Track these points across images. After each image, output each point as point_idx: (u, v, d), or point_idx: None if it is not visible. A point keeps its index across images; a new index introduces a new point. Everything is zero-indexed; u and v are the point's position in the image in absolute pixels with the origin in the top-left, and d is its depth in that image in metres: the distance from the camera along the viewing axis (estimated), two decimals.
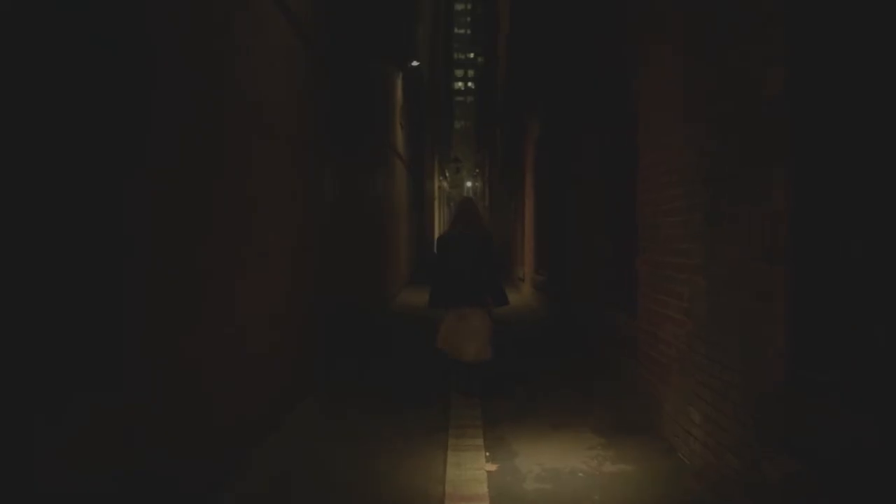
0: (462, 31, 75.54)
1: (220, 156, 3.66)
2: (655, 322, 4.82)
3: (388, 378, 6.63)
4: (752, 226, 3.23)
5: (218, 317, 3.57)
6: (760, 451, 3.20)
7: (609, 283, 6.57)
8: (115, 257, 2.54)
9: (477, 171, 41.69)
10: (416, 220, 20.76)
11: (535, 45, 11.77)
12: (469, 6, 72.87)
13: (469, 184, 57.69)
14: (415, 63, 14.18)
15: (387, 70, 12.49)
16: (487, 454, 4.30)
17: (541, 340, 8.76)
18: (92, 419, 2.38)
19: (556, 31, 9.67)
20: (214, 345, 3.52)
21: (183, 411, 3.12)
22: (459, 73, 77.71)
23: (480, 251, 5.25)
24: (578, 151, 8.09)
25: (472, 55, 71.23)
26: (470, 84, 77.41)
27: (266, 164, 4.52)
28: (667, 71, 4.57)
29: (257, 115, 4.33)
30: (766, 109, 3.05)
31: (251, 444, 4.08)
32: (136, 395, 2.67)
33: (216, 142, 3.58)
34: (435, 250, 6.03)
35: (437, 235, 29.83)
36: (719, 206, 3.63)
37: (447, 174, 44.11)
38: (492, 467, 4.08)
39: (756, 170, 3.19)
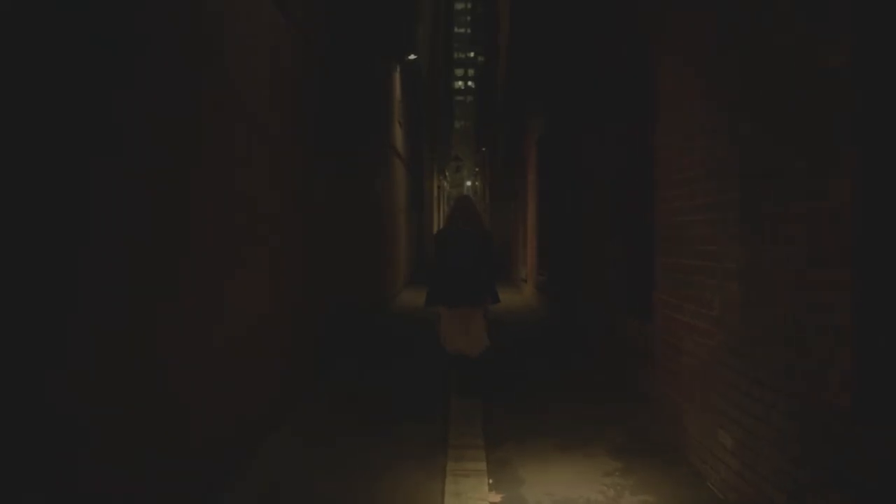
0: (462, 30, 75.47)
1: (197, 143, 3.20)
2: (676, 331, 4.36)
3: (384, 384, 6.17)
4: (804, 225, 2.76)
5: (183, 322, 3.10)
6: (808, 484, 2.74)
7: (620, 286, 6.11)
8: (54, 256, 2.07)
9: (477, 170, 41.33)
10: (416, 219, 20.30)
11: (537, 36, 11.33)
12: (469, 5, 72.73)
13: (469, 183, 57.40)
14: (412, 56, 13.71)
15: (384, 64, 12.05)
16: (490, 481, 3.83)
17: (545, 346, 8.28)
18: None
19: (561, 18, 9.21)
20: (187, 352, 3.05)
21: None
22: (459, 72, 77.49)
23: (480, 250, 5.12)
24: (585, 146, 7.63)
25: (472, 54, 71.00)
26: (470, 83, 77.21)
27: (250, 155, 4.06)
28: (695, 46, 4.11)
29: (240, 103, 3.87)
30: (825, 87, 2.58)
31: (236, 464, 3.60)
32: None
33: (192, 125, 3.12)
34: (434, 247, 5.94)
35: (434, 232, 29.54)
36: (760, 202, 3.16)
37: (447, 173, 43.72)
38: (496, 498, 3.61)
39: (809, 160, 2.72)
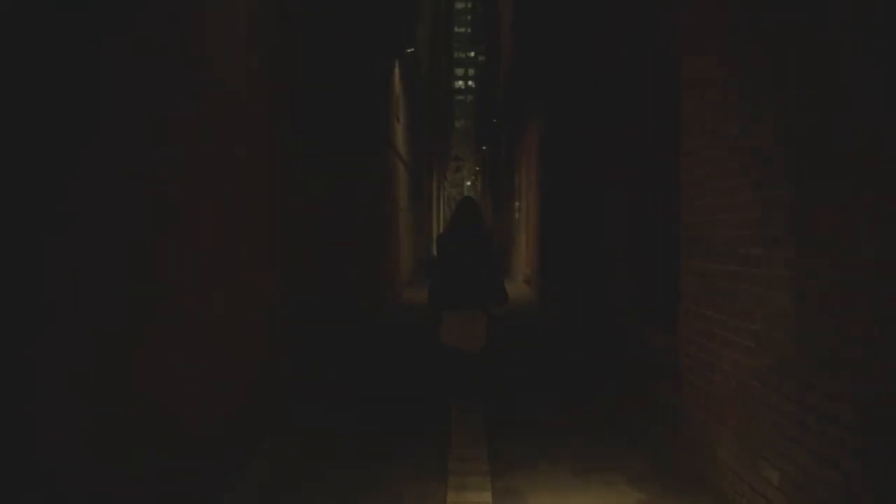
0: (462, 29, 75.30)
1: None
2: (706, 345, 3.86)
3: (377, 397, 5.68)
4: (883, 225, 2.27)
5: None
6: None
7: (634, 290, 5.61)
8: None
9: (478, 168, 40.91)
10: (415, 219, 19.78)
11: (540, 32, 10.85)
12: (469, 4, 72.48)
13: (468, 183, 57.03)
14: (410, 50, 13.23)
15: (384, 63, 11.57)
16: None
17: (550, 354, 7.78)
18: None
19: (565, 11, 8.72)
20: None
21: None
22: (460, 71, 77.23)
23: (481, 251, 5.00)
24: (591, 143, 7.14)
25: (472, 54, 70.64)
26: (470, 83, 76.97)
27: (218, 135, 3.56)
28: (731, 16, 3.61)
29: (201, 73, 3.37)
30: None
31: None
32: None
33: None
34: (434, 251, 5.57)
35: (434, 234, 29.05)
36: (819, 197, 2.67)
37: (447, 173, 43.26)
38: None
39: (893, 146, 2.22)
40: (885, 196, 2.28)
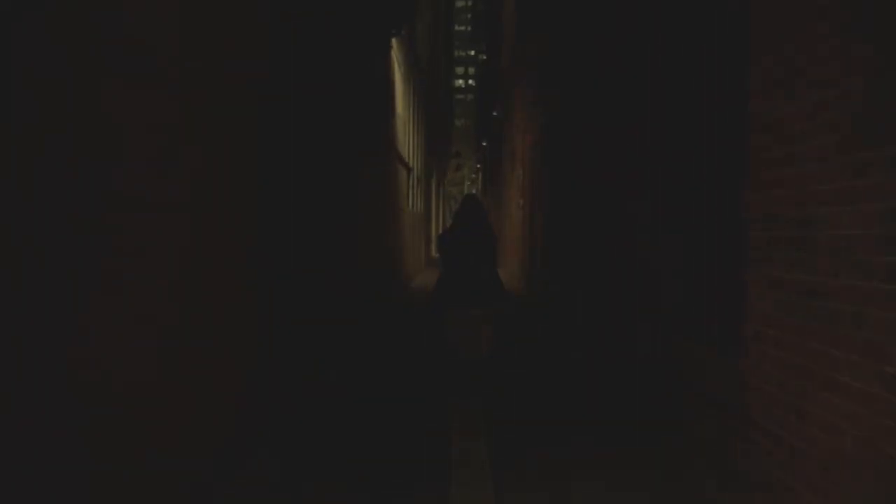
0: (462, 28, 74.93)
1: None
2: (794, 383, 2.85)
3: (365, 416, 4.67)
4: None
5: None
6: None
7: (676, 298, 4.59)
8: None
9: (479, 166, 40.16)
10: (414, 217, 18.77)
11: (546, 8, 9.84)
12: (469, 3, 71.98)
13: (468, 183, 56.48)
14: (403, 33, 12.23)
15: (381, 53, 10.58)
16: None
17: (559, 371, 6.75)
18: None
19: None
20: None
21: None
22: (460, 70, 76.64)
23: (486, 250, 5.02)
24: (604, 129, 6.12)
25: (472, 52, 69.94)
26: (471, 81, 76.38)
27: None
28: None
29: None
30: None
31: None
32: None
33: None
34: (436, 249, 5.29)
35: (434, 234, 28.15)
36: None
37: (447, 170, 42.44)
38: None
39: None
40: None
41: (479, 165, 40.64)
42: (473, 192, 32.08)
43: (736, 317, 3.47)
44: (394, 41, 12.18)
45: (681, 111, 4.38)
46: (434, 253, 26.45)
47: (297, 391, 5.17)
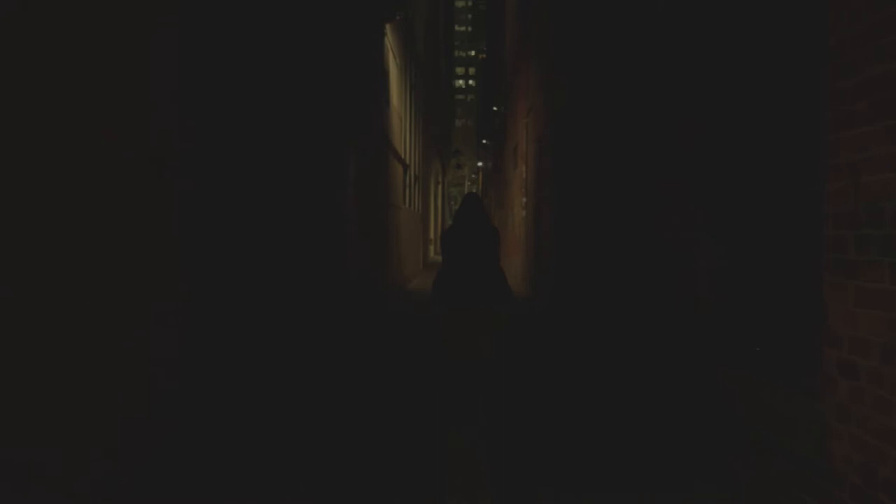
0: (463, 28, 74.88)
1: None
2: None
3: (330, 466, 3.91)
4: None
5: None
6: None
7: (722, 312, 3.84)
8: None
9: (480, 164, 39.67)
10: (411, 216, 18.08)
11: None
12: (469, 2, 71.84)
13: (469, 183, 56.31)
14: (397, 18, 11.54)
15: (375, 39, 9.91)
16: None
17: (571, 393, 5.97)
18: None
19: None
20: None
21: None
22: (460, 70, 76.44)
23: (488, 249, 4.79)
24: (628, 118, 5.39)
25: (472, 52, 69.76)
26: (471, 82, 76.19)
27: None
28: None
29: None
30: None
31: None
32: None
33: None
34: (439, 248, 4.75)
35: (434, 234, 27.59)
36: None
37: (447, 170, 41.97)
38: None
39: None
40: None
41: (480, 164, 40.16)
42: (475, 191, 31.56)
43: (812, 341, 2.71)
44: (388, 29, 11.49)
45: (739, 88, 3.62)
46: (434, 254, 25.85)
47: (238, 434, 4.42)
